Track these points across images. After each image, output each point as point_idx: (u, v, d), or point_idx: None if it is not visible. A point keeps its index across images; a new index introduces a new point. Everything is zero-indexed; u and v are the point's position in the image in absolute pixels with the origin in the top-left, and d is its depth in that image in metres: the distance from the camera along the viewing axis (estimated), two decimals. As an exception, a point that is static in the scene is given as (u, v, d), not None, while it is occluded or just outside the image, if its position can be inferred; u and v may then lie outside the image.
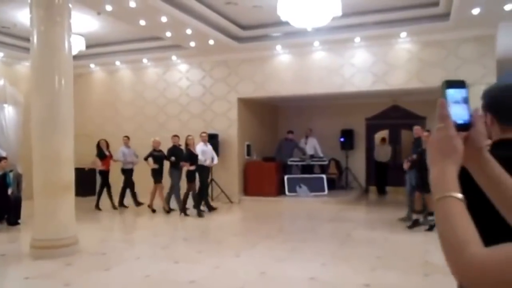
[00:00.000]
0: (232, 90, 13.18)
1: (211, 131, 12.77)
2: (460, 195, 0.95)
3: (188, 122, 13.59)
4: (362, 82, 11.67)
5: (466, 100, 1.02)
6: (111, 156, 12.01)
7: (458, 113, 1.01)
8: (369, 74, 11.56)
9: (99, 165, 11.87)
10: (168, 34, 10.92)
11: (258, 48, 12.20)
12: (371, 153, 15.26)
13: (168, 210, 11.14)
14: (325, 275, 6.15)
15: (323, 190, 13.12)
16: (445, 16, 9.73)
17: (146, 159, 11.36)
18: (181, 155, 11.01)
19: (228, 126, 13.13)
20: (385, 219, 9.93)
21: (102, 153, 11.88)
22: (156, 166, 11.35)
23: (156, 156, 11.41)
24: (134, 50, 13.21)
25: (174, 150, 11.26)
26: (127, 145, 12.11)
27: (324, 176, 13.53)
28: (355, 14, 10.20)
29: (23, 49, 11.91)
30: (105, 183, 11.88)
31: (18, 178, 10.11)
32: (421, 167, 8.64)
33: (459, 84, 1.04)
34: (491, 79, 10.00)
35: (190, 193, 10.88)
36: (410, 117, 14.36)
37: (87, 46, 11.98)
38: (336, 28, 10.63)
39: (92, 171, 12.91)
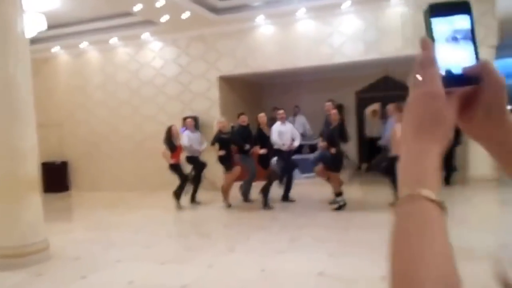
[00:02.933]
0: (212, 67, 12.21)
1: (190, 113, 11.82)
2: (435, 197, 0.53)
3: (165, 105, 12.64)
4: (353, 51, 10.82)
5: (468, 36, 0.55)
6: (181, 146, 9.91)
7: (453, 57, 0.55)
8: (360, 42, 10.72)
9: (168, 158, 9.73)
10: (138, 7, 9.91)
11: (238, 19, 11.23)
12: (362, 129, 14.50)
13: (247, 200, 9.96)
14: (335, 268, 5.41)
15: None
16: (442, -27, 8.93)
17: (213, 143, 9.67)
18: (250, 136, 9.60)
19: (209, 107, 12.19)
20: (384, 200, 8.77)
21: (172, 144, 9.75)
22: (223, 153, 9.57)
23: (225, 140, 9.61)
24: (101, 29, 12.10)
25: (243, 131, 9.70)
26: (192, 128, 10.17)
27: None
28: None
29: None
30: (183, 177, 9.80)
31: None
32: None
33: (456, 8, 0.55)
34: (493, 41, 9.30)
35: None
36: (404, 88, 13.49)
37: (49, 27, 10.89)
38: (323, -8, 9.76)
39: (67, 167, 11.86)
